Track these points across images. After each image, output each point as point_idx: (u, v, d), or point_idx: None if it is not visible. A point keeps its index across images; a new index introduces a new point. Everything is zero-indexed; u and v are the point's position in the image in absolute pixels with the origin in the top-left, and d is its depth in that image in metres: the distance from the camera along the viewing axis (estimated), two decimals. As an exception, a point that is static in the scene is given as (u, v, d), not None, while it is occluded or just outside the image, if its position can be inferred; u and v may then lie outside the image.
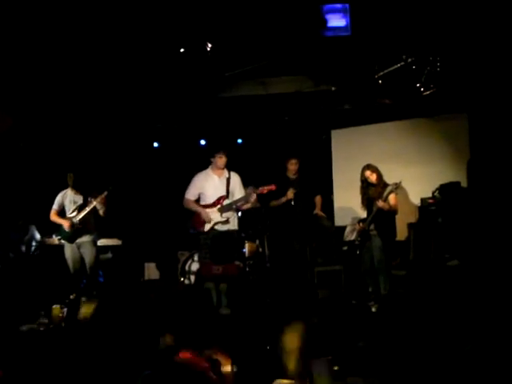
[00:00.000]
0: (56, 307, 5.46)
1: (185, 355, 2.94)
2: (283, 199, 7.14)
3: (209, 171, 6.66)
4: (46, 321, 5.36)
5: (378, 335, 4.99)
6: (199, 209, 6.52)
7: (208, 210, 6.48)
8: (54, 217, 6.95)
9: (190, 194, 6.63)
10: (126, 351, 2.98)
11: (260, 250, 7.76)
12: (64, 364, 3.31)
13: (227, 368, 3.17)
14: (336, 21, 4.99)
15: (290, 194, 7.06)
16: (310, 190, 7.42)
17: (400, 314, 6.11)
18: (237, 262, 5.82)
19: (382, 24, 5.41)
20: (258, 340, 4.06)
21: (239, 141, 9.19)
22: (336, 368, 3.38)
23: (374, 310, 6.26)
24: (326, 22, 5.03)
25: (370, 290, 6.77)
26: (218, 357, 3.18)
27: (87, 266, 6.82)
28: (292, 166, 7.35)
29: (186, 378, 2.47)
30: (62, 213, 6.97)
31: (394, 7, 5.17)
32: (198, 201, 6.64)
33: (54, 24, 5.89)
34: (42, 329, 5.22)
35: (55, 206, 6.95)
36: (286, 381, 2.86)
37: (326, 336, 4.41)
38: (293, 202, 7.08)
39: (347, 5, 5.01)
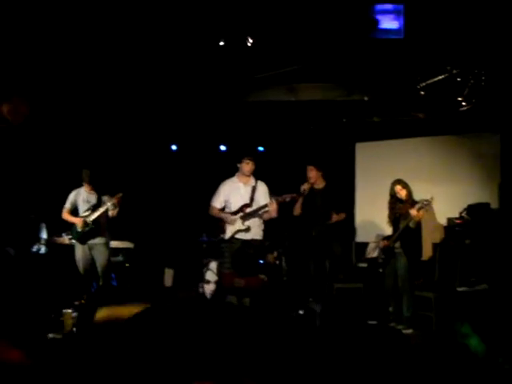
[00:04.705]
0: (67, 312, 5.15)
1: None
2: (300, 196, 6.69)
3: (234, 179, 6.46)
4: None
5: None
6: (223, 215, 6.33)
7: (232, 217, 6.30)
8: (65, 215, 6.74)
9: (216, 202, 6.43)
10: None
11: (277, 262, 7.50)
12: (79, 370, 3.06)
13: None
14: (388, 23, 4.72)
15: (306, 186, 6.69)
16: (334, 204, 7.02)
17: (424, 337, 5.86)
18: (261, 276, 5.51)
19: (429, 33, 5.13)
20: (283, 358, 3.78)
21: (260, 148, 8.91)
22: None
23: (404, 331, 5.93)
24: (377, 23, 4.75)
25: (391, 309, 6.51)
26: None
27: (99, 268, 6.59)
28: (309, 173, 6.94)
29: None
30: (74, 212, 6.74)
31: (445, 14, 4.91)
32: (224, 209, 6.43)
33: (77, 19, 5.64)
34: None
35: (67, 205, 6.75)
36: None
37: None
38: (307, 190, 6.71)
39: (401, 6, 4.72)
